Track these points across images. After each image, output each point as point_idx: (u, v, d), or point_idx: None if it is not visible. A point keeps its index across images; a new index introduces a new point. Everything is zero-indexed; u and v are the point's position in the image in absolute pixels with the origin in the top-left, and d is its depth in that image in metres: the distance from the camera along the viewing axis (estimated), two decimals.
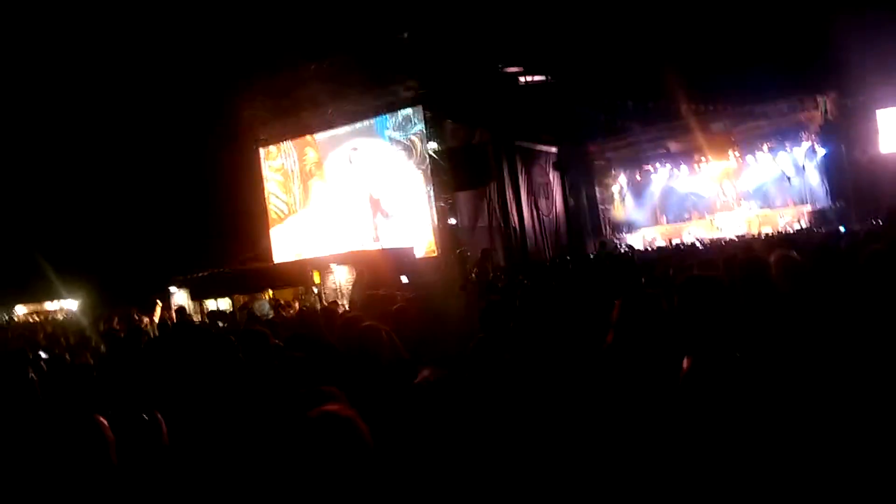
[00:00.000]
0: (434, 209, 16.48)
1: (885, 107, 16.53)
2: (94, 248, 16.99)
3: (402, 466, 1.98)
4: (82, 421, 2.13)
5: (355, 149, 17.90)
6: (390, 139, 17.30)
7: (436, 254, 16.18)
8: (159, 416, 2.52)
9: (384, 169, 17.43)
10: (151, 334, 9.39)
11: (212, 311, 11.24)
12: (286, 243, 18.89)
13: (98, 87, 15.18)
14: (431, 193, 16.58)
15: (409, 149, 16.95)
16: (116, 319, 12.97)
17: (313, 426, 1.68)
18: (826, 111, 17.63)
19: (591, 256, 16.57)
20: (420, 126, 16.73)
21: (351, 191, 17.93)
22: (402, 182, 17.11)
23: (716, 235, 19.20)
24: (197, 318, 13.05)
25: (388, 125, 17.39)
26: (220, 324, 9.34)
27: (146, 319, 11.32)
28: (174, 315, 11.65)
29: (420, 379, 2.68)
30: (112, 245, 17.02)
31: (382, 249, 15.20)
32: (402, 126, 17.11)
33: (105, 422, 2.17)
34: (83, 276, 16.65)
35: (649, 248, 18.72)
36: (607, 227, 22.76)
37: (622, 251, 17.87)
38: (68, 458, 2.04)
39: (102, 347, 7.88)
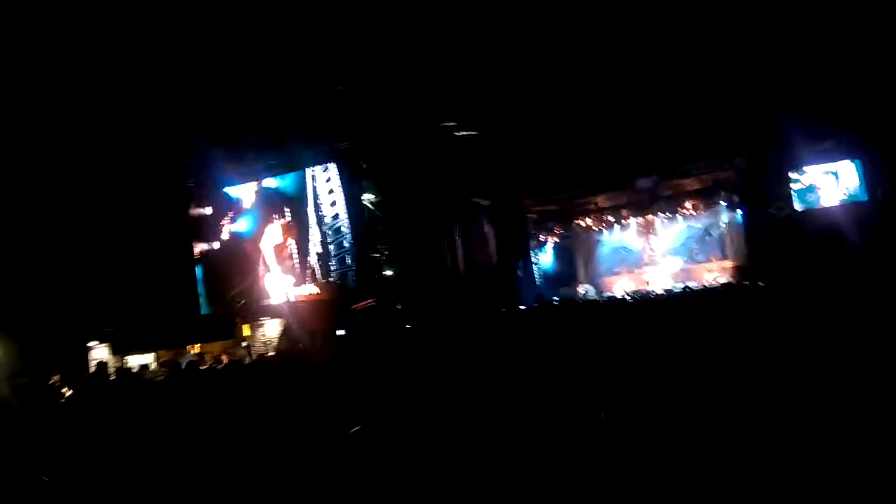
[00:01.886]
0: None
1: (798, 167, 17.51)
2: (10, 300, 16.03)
3: None
4: None
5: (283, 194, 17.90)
6: (315, 186, 17.45)
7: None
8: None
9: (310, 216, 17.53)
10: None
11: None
12: (211, 293, 18.36)
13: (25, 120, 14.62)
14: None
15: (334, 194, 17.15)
16: (28, 378, 12.18)
17: None
18: (742, 170, 18.58)
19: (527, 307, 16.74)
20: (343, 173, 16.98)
21: (276, 236, 17.86)
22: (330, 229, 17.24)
23: (644, 288, 19.82)
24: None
25: (313, 170, 17.62)
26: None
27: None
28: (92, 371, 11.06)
29: None
30: (30, 297, 16.10)
31: (316, 299, 14.98)
32: (327, 171, 17.38)
33: None
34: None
35: (580, 301, 19.08)
36: (541, 279, 23.10)
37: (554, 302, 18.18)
38: None
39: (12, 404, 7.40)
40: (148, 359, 13.72)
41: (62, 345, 13.85)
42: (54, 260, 15.79)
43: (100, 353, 13.87)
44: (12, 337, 14.86)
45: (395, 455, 2.33)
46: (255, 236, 18.14)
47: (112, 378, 8.45)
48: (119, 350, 13.85)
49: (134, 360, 13.55)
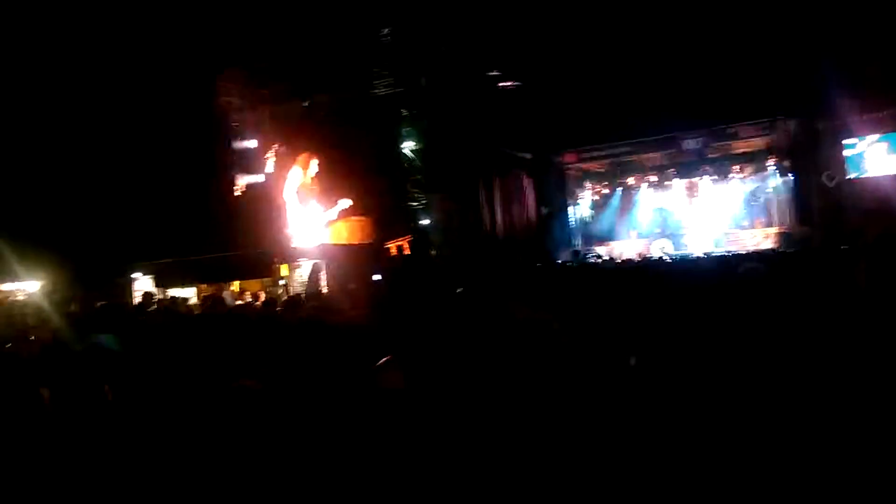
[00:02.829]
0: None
1: (852, 136, 16.94)
2: (59, 230, 16.59)
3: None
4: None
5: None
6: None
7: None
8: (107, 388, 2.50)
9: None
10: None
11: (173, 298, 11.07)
12: (252, 232, 18.65)
13: (70, 70, 14.88)
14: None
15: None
16: (75, 304, 12.69)
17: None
18: (794, 135, 18.01)
19: (564, 264, 16.69)
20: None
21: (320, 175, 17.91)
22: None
23: (683, 252, 19.50)
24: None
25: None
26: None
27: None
28: (139, 299, 11.47)
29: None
30: (77, 228, 16.64)
31: (353, 245, 15.13)
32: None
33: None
34: (46, 257, 16.25)
35: (618, 261, 18.91)
36: (578, 238, 22.94)
37: (596, 261, 18.05)
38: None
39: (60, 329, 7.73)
40: (190, 292, 14.15)
41: (109, 275, 14.34)
42: (101, 193, 16.23)
43: (144, 284, 14.32)
44: (62, 267, 15.45)
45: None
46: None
47: (152, 308, 8.73)
48: (162, 283, 14.28)
49: (176, 293, 14.00)
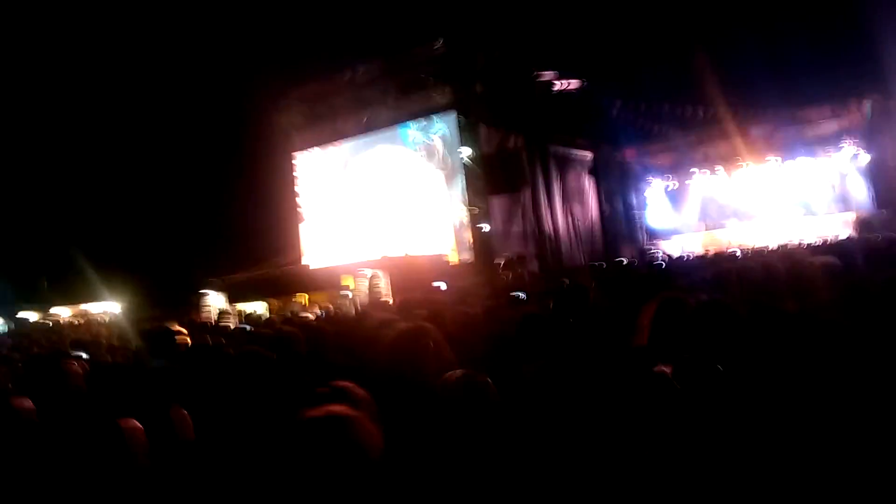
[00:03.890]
0: (459, 213, 16.61)
1: None
2: (135, 251, 17.39)
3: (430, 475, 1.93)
4: (107, 427, 2.14)
5: (380, 152, 18.11)
6: (413, 141, 17.49)
7: (457, 260, 16.28)
8: (185, 412, 2.56)
9: (407, 173, 17.63)
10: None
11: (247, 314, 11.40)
12: (316, 246, 19.12)
13: (143, 92, 15.58)
14: (452, 197, 16.66)
15: (430, 150, 17.13)
16: (151, 322, 13.20)
17: (306, 428, 1.61)
18: (870, 115, 17.14)
19: (629, 263, 16.34)
20: (442, 127, 16.88)
21: (374, 194, 18.13)
22: (424, 186, 17.32)
23: (756, 244, 18.77)
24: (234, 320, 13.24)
25: (409, 126, 17.62)
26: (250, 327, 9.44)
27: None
28: (211, 317, 11.86)
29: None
30: (153, 248, 17.41)
31: (414, 256, 15.25)
32: (424, 128, 17.34)
33: (135, 425, 2.18)
34: (124, 278, 17.07)
35: (687, 257, 18.40)
36: (644, 235, 22.42)
37: (660, 260, 17.60)
38: (90, 462, 2.04)
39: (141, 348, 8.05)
40: (260, 307, 14.56)
41: (182, 291, 14.90)
42: (175, 211, 16.92)
43: (216, 300, 14.82)
44: (139, 285, 16.17)
45: None
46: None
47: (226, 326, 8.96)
48: (233, 298, 14.74)
49: (247, 307, 14.43)
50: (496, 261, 14.26)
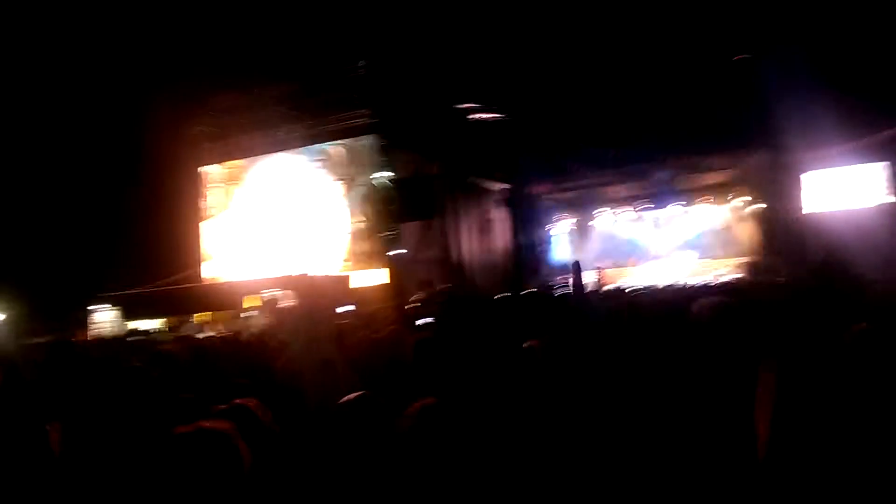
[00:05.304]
0: (355, 225, 16.82)
1: (811, 170, 17.39)
2: (19, 262, 16.19)
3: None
4: None
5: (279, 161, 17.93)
6: (311, 151, 17.44)
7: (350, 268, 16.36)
8: (55, 426, 2.39)
9: (309, 179, 17.54)
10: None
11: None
12: (218, 261, 18.54)
13: (32, 92, 14.67)
14: (349, 208, 16.92)
15: (329, 159, 17.19)
16: (37, 337, 12.32)
17: (179, 442, 1.61)
18: (757, 168, 18.44)
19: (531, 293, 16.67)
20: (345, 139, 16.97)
21: (271, 205, 17.93)
22: (323, 194, 17.39)
23: (651, 283, 19.66)
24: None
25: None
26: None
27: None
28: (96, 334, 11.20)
29: None
30: (38, 259, 16.27)
31: (318, 276, 15.02)
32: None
33: None
34: (7, 290, 15.85)
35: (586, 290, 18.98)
36: (548, 268, 23.02)
37: (563, 290, 18.09)
38: None
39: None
40: (154, 324, 13.85)
41: (70, 307, 14.00)
42: (63, 224, 15.91)
43: (101, 316, 14.01)
44: (22, 299, 15.04)
45: None
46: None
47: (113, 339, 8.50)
48: (125, 315, 13.99)
49: (140, 325, 13.70)
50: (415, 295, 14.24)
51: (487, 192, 20.87)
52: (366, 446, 2.35)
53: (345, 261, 16.87)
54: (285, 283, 13.03)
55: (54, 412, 2.84)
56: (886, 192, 16.57)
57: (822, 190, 17.41)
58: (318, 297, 11.43)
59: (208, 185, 18.95)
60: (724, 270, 19.92)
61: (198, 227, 18.81)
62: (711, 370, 2.65)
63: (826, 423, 2.15)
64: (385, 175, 16.77)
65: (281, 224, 17.62)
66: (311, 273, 15.18)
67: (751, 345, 3.03)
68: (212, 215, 18.86)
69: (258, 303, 13.86)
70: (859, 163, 16.84)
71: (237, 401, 2.21)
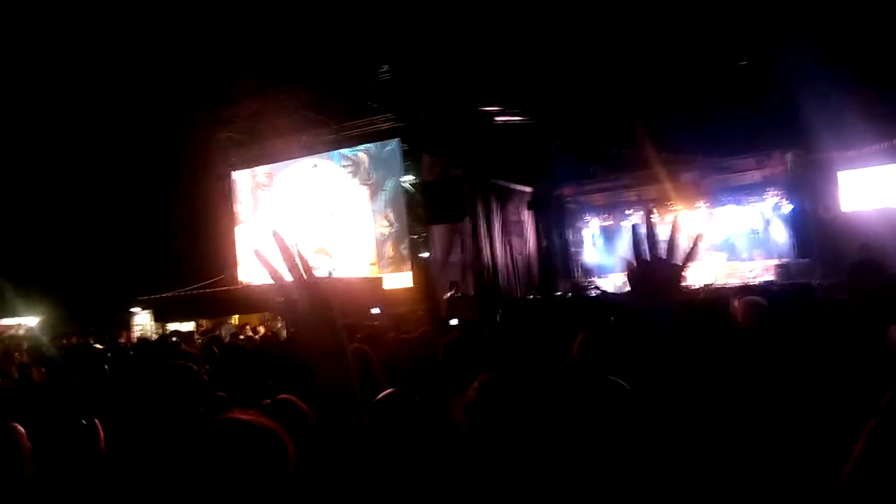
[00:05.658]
0: (381, 229, 16.86)
1: (846, 169, 17.07)
2: (57, 266, 16.61)
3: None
4: None
5: (315, 166, 18.05)
6: (339, 156, 17.59)
7: (377, 273, 16.44)
8: (97, 422, 2.46)
9: (336, 185, 17.69)
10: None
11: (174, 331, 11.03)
12: (251, 265, 18.78)
13: (68, 101, 15.04)
14: (374, 210, 16.99)
15: (356, 165, 17.25)
16: (75, 338, 12.63)
17: (213, 432, 1.54)
18: (791, 167, 18.14)
19: (564, 296, 16.65)
20: (368, 143, 17.10)
21: (304, 207, 18.07)
22: (350, 199, 17.48)
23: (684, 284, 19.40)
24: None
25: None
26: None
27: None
28: (136, 337, 11.41)
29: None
30: (76, 263, 16.67)
31: (351, 278, 15.15)
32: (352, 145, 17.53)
33: (20, 429, 2.13)
34: (45, 293, 16.25)
35: (618, 292, 18.85)
36: (578, 270, 22.89)
37: (595, 293, 18.00)
38: None
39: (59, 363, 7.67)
40: (188, 327, 14.09)
41: (107, 309, 14.30)
42: (100, 226, 16.26)
43: (142, 319, 14.28)
44: (60, 301, 15.41)
45: None
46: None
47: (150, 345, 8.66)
48: (160, 317, 14.23)
49: (175, 328, 13.94)
50: (446, 294, 14.27)
51: (515, 194, 20.85)
52: (400, 442, 2.39)
53: (371, 264, 16.97)
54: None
55: (97, 410, 2.91)
56: None
57: (858, 189, 17.09)
58: (350, 298, 11.53)
59: (240, 191, 19.21)
60: (752, 273, 19.64)
61: (233, 231, 19.06)
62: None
63: None
64: (411, 179, 16.88)
65: (310, 228, 17.77)
66: (339, 275, 15.32)
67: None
68: (243, 221, 19.10)
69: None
70: (891, 162, 16.50)
71: (281, 396, 2.25)
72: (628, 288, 1.87)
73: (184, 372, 2.87)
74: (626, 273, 1.64)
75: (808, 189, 17.86)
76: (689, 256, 1.68)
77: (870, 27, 13.54)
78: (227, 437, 1.54)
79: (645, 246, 1.67)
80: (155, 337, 12.97)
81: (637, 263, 1.62)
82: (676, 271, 1.60)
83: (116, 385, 3.68)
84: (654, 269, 1.60)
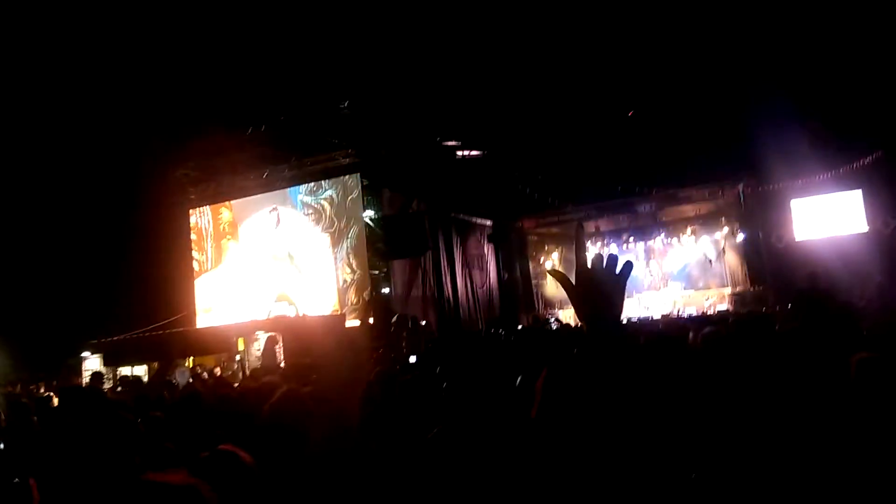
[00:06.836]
0: (344, 275, 16.61)
1: (799, 197, 17.60)
2: (2, 307, 15.96)
3: None
4: None
5: (275, 208, 17.91)
6: (302, 203, 17.46)
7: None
8: (32, 482, 2.31)
9: (299, 233, 17.53)
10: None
11: (123, 377, 10.65)
12: (208, 305, 18.38)
13: (17, 141, 14.64)
14: (337, 257, 16.79)
15: (318, 213, 17.16)
16: (19, 385, 12.11)
17: (128, 494, 1.52)
18: (743, 198, 18.64)
19: (523, 329, 16.62)
20: (330, 191, 16.93)
21: (267, 253, 17.84)
22: (313, 247, 17.28)
23: (642, 314, 19.68)
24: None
25: (300, 190, 17.69)
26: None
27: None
28: (86, 382, 10.99)
29: None
30: (24, 304, 16.04)
31: (310, 316, 14.91)
32: (313, 191, 17.42)
33: None
34: None
35: (577, 325, 18.93)
36: (540, 302, 22.99)
37: (555, 325, 18.05)
38: None
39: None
40: (140, 371, 13.64)
41: (54, 354, 13.78)
42: (48, 268, 15.73)
43: (92, 363, 13.78)
44: (6, 344, 14.76)
45: None
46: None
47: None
48: (111, 361, 13.76)
49: (127, 371, 13.48)
50: (391, 321, 14.14)
51: (475, 227, 20.97)
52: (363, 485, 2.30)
53: (333, 311, 16.72)
54: (276, 324, 12.92)
55: (33, 465, 2.76)
56: (864, 219, 16.80)
57: (810, 218, 17.61)
58: (308, 338, 11.30)
59: (203, 239, 18.91)
60: (709, 302, 19.99)
61: (191, 271, 18.71)
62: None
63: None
64: (371, 214, 16.83)
65: (273, 275, 17.55)
66: (304, 313, 15.07)
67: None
68: (206, 269, 18.76)
69: (243, 346, 13.72)
70: (839, 191, 17.10)
71: (222, 446, 2.15)
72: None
73: (116, 423, 2.73)
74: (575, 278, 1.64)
75: (760, 218, 18.35)
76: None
77: (817, 59, 14.07)
78: (142, 499, 1.50)
79: (585, 252, 1.69)
80: (108, 382, 12.51)
81: (578, 266, 1.63)
82: (617, 280, 1.61)
83: (46, 439, 3.50)
84: (595, 276, 1.61)
